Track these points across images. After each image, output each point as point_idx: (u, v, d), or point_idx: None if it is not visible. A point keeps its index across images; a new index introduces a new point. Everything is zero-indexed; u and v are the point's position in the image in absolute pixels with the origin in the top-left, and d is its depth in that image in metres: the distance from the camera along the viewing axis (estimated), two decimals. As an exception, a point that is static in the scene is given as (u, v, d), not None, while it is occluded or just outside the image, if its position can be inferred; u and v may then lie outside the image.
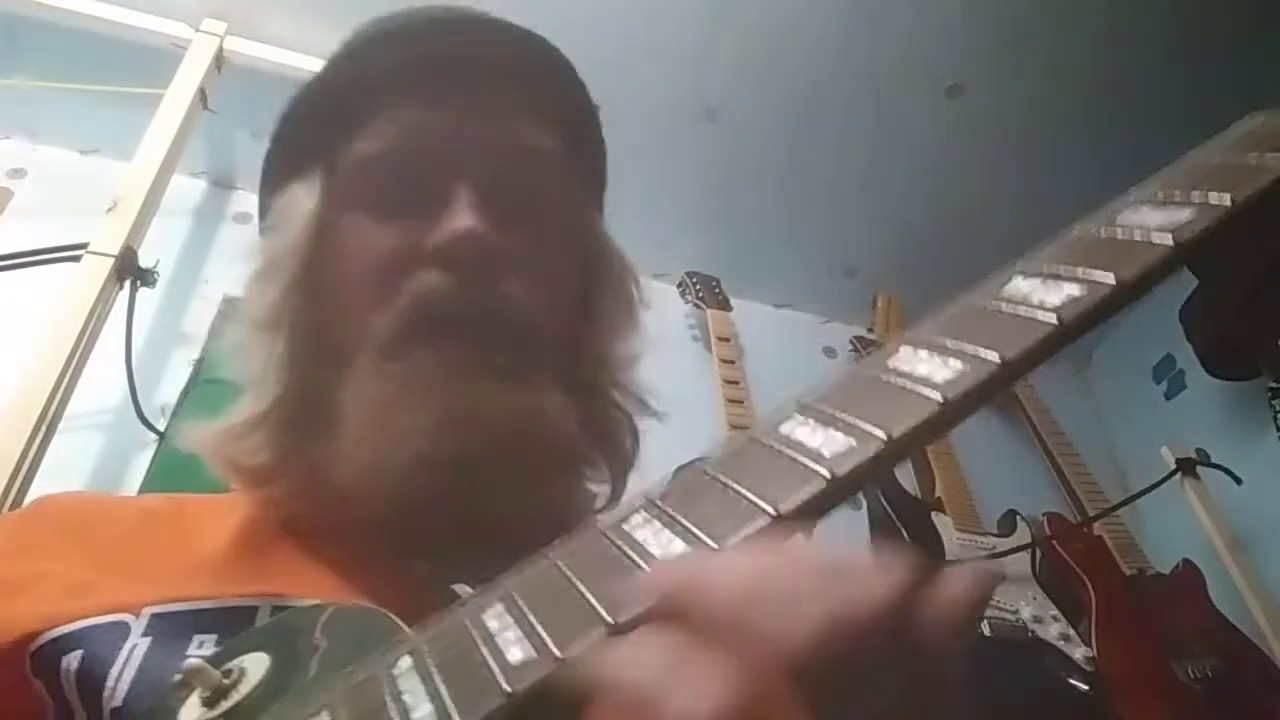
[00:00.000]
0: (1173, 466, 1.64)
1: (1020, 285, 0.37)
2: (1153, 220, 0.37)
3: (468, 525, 0.52)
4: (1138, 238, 0.37)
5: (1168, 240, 0.36)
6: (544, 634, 0.29)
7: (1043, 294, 0.35)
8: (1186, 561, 1.59)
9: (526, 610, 0.30)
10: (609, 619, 0.29)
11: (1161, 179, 0.41)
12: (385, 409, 0.53)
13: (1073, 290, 0.35)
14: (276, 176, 0.64)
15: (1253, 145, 0.40)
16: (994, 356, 0.33)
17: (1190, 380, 1.83)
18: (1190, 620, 1.50)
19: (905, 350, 0.35)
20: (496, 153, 0.59)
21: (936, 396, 0.32)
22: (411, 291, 0.54)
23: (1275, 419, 1.55)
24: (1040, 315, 0.34)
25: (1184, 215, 0.37)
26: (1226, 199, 0.36)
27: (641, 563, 0.30)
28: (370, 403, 0.54)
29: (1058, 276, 0.36)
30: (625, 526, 0.32)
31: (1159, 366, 1.90)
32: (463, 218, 0.54)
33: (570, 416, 0.56)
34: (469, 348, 0.54)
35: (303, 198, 0.60)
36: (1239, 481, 1.61)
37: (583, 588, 0.30)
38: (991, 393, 0.33)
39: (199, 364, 1.42)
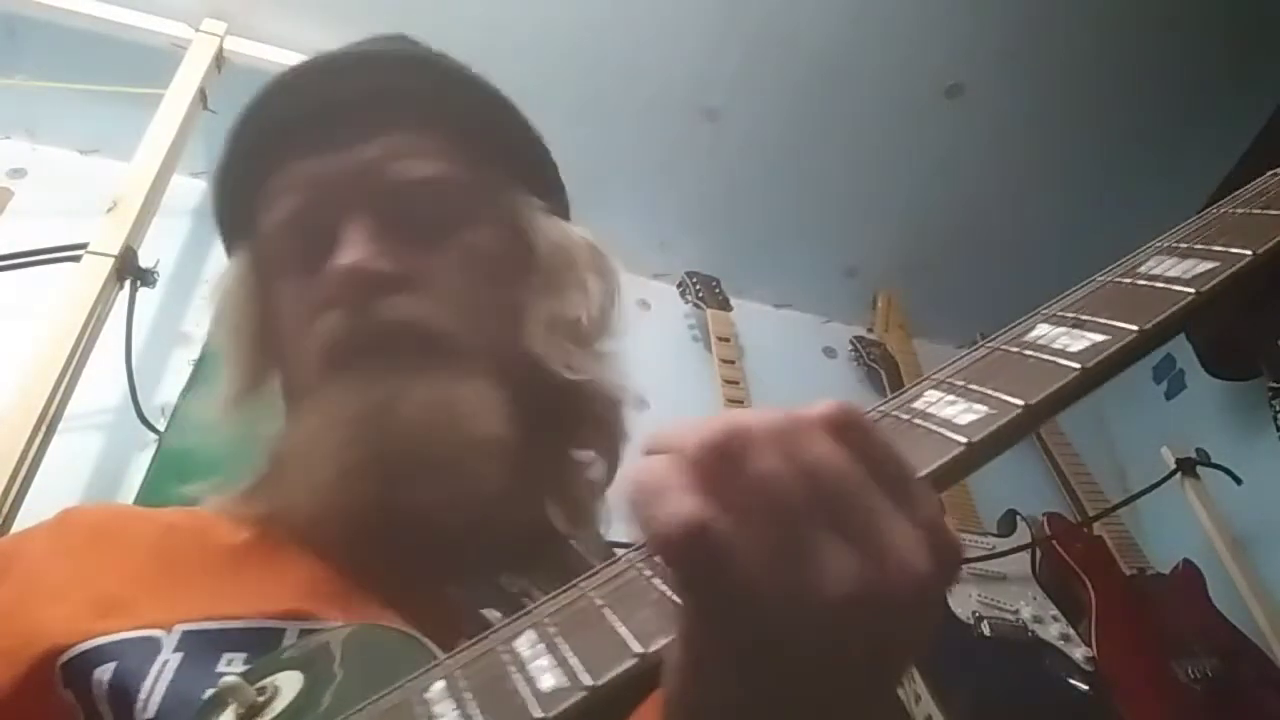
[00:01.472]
0: (1173, 466, 1.65)
1: (1045, 332, 0.38)
2: (1174, 271, 0.38)
3: (417, 531, 0.53)
4: (1159, 287, 0.37)
5: (1190, 291, 0.36)
6: (574, 662, 0.30)
7: (1067, 341, 0.36)
8: (1186, 561, 1.59)
9: (557, 638, 0.31)
10: (638, 648, 0.30)
11: (1183, 230, 0.42)
12: (309, 436, 0.57)
13: (1096, 337, 0.36)
14: (227, 252, 0.70)
15: (1271, 200, 0.41)
16: (1019, 402, 0.34)
17: (1190, 380, 1.83)
18: (1190, 620, 1.50)
19: (932, 393, 0.36)
20: (380, 185, 0.61)
21: (962, 440, 0.33)
22: (318, 334, 0.58)
23: (1275, 419, 1.55)
24: (1064, 362, 0.35)
25: (1205, 266, 0.37)
26: (1247, 251, 0.37)
27: (670, 593, 0.31)
28: (300, 436, 0.58)
29: (1081, 324, 0.37)
30: (657, 558, 0.33)
31: (1159, 366, 1.91)
32: (345, 254, 0.57)
33: (492, 404, 0.57)
34: (371, 367, 0.56)
35: (234, 276, 0.66)
36: (1239, 481, 1.61)
37: (613, 617, 0.31)
38: (1016, 438, 0.34)
39: (198, 365, 1.42)
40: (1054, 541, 1.60)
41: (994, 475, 1.70)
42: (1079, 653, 1.42)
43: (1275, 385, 1.56)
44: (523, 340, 0.63)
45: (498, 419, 0.57)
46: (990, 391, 0.34)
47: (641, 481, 0.29)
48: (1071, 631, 1.46)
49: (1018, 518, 1.64)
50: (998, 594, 1.48)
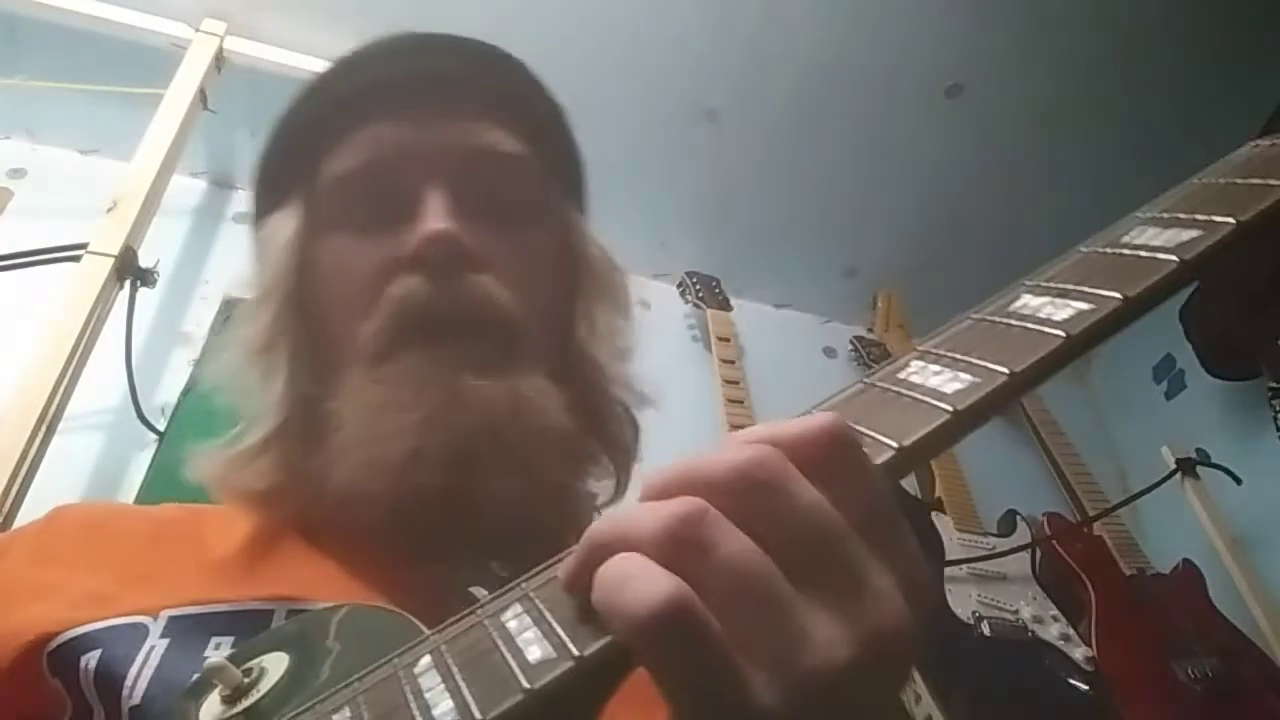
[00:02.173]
0: (1173, 466, 1.65)
1: (1029, 302, 0.38)
2: (1157, 240, 0.38)
3: (466, 520, 0.53)
4: (1144, 256, 0.37)
5: (1173, 259, 0.37)
6: (562, 633, 0.30)
7: (1051, 310, 0.36)
8: (1186, 561, 1.59)
9: (545, 611, 0.31)
10: None
11: (1166, 200, 0.42)
12: (376, 410, 0.54)
13: (1081, 306, 0.36)
14: (260, 210, 0.67)
15: (1254, 170, 0.41)
16: (1004, 370, 0.34)
17: (1190, 380, 1.83)
18: (1190, 620, 1.50)
19: (916, 363, 0.36)
20: (463, 157, 0.60)
21: (947, 408, 0.33)
22: (393, 296, 0.56)
23: (1275, 419, 1.55)
24: (1049, 330, 0.35)
25: (1188, 235, 0.38)
26: (1230, 219, 0.38)
27: None
28: (361, 406, 0.55)
29: (1065, 294, 0.37)
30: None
31: (1159, 366, 1.91)
32: (433, 221, 0.56)
33: (556, 402, 0.57)
34: (450, 345, 0.55)
35: (283, 226, 0.63)
36: (1239, 481, 1.61)
37: None
38: (1001, 406, 0.34)
39: (197, 365, 1.42)
40: (1054, 541, 1.60)
41: (994, 475, 1.71)
42: (1079, 653, 1.42)
43: (1275, 385, 1.56)
44: (574, 342, 0.63)
45: (563, 412, 0.57)
46: (976, 360, 0.34)
47: (610, 573, 0.28)
48: (1071, 631, 1.46)
49: (1018, 518, 1.64)
50: (998, 594, 1.48)
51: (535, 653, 0.29)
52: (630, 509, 0.30)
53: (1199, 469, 1.64)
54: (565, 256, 0.66)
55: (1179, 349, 1.76)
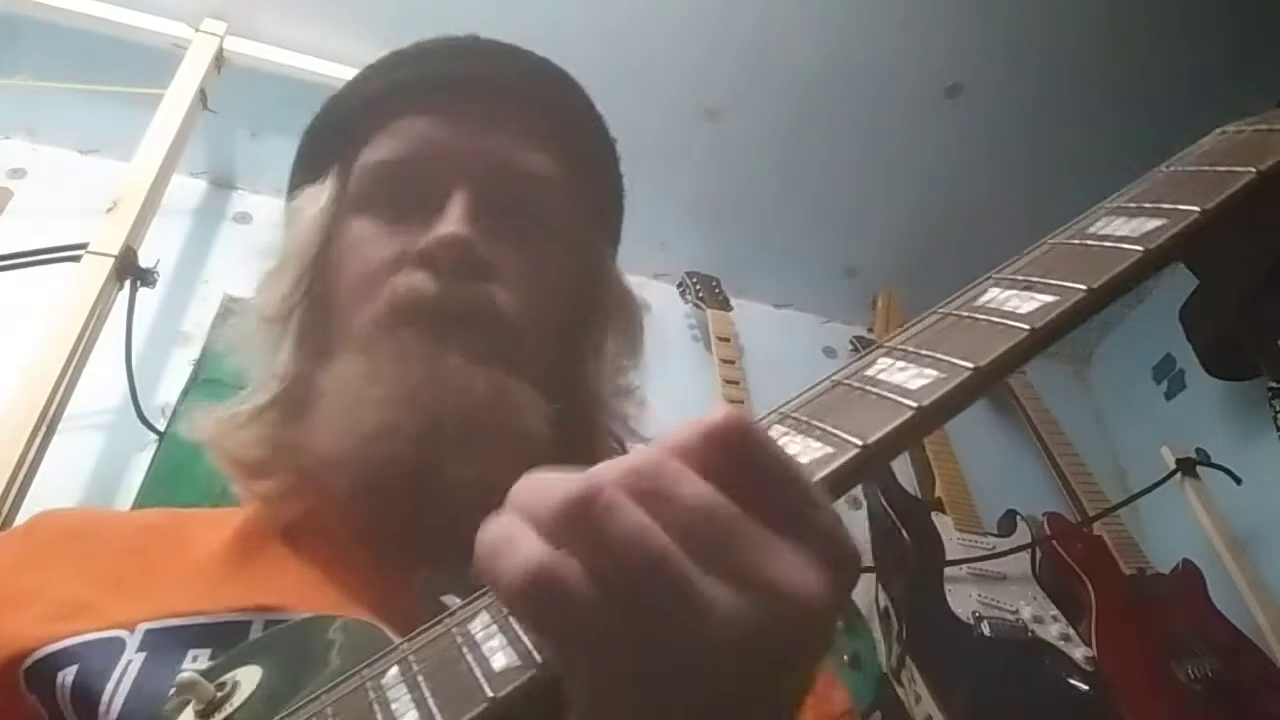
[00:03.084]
0: (1173, 466, 1.64)
1: (996, 295, 0.38)
2: (1123, 230, 0.38)
3: (433, 507, 0.53)
4: (1109, 246, 0.37)
5: (1138, 248, 0.37)
6: (527, 641, 0.30)
7: (1017, 303, 0.37)
8: (1186, 561, 1.59)
9: (511, 619, 0.31)
10: None
11: (1133, 189, 0.42)
12: (357, 381, 0.55)
13: (1046, 298, 0.36)
14: (295, 181, 0.68)
15: (1218, 158, 0.41)
16: (968, 364, 0.34)
17: (1190, 380, 1.82)
18: (1190, 620, 1.50)
19: (884, 360, 0.36)
20: (495, 168, 0.61)
21: (911, 404, 0.33)
22: (397, 287, 0.57)
23: (1275, 419, 1.55)
24: (1013, 323, 0.35)
25: (1153, 224, 0.38)
26: (1195, 207, 0.38)
27: None
28: (343, 378, 0.56)
29: (1030, 286, 0.37)
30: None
31: (1159, 366, 1.90)
32: (451, 223, 0.57)
33: (538, 411, 0.57)
34: (444, 330, 0.56)
35: (314, 199, 0.64)
36: (1239, 481, 1.60)
37: None
38: (967, 400, 0.34)
39: (199, 362, 1.42)
40: (1054, 541, 1.60)
41: (994, 475, 1.71)
42: (1079, 653, 1.42)
43: (1275, 385, 1.56)
44: (573, 365, 0.63)
45: (542, 422, 0.57)
46: (941, 355, 0.35)
47: (489, 535, 0.29)
48: (1071, 631, 1.46)
49: (1018, 518, 1.63)
50: (998, 594, 1.48)
51: (500, 660, 0.29)
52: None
53: (1199, 469, 1.64)
54: (582, 282, 0.66)
55: (1179, 349, 1.76)
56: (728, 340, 1.73)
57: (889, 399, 0.34)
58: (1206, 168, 0.41)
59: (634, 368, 0.68)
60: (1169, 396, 1.89)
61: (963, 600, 1.44)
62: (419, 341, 0.55)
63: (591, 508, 0.28)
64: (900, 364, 0.35)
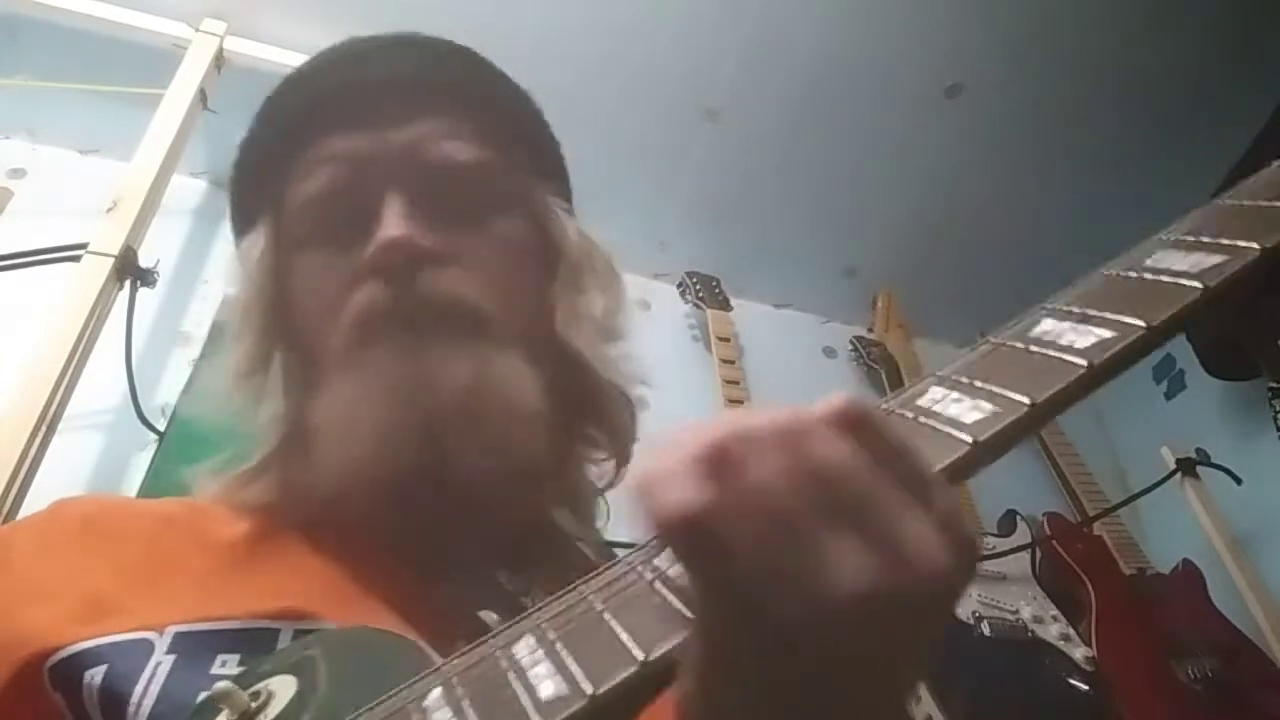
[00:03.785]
0: (1173, 466, 1.65)
1: (1051, 327, 0.37)
2: (1182, 264, 0.37)
3: (452, 505, 0.53)
4: (1166, 281, 0.36)
5: (1198, 285, 0.36)
6: (575, 669, 0.29)
7: (1073, 337, 0.35)
8: (1186, 561, 1.59)
9: (557, 644, 0.30)
10: (640, 655, 0.29)
11: (1189, 222, 0.41)
12: (346, 405, 0.56)
13: (1103, 333, 0.35)
14: (235, 231, 0.69)
15: (1278, 191, 0.40)
16: (1025, 400, 0.33)
17: (1190, 380, 1.83)
18: (1190, 620, 1.50)
19: (936, 390, 0.35)
20: (420, 163, 0.61)
21: (967, 439, 0.32)
22: (356, 305, 0.57)
23: (1275, 419, 1.55)
24: (1070, 358, 0.34)
25: (1212, 260, 0.37)
26: (1255, 245, 0.37)
27: (675, 601, 0.30)
28: (333, 405, 0.56)
29: (1087, 319, 0.36)
30: (657, 561, 0.32)
31: (1159, 366, 1.90)
32: (388, 228, 0.57)
33: (530, 382, 0.57)
34: (413, 335, 0.56)
35: (254, 247, 0.64)
36: (1239, 481, 1.61)
37: (614, 623, 0.30)
38: (1021, 437, 0.33)
39: (196, 365, 1.42)
40: (1054, 541, 1.60)
41: (994, 475, 1.72)
42: (1079, 653, 1.42)
43: (1275, 385, 1.56)
44: (553, 327, 0.63)
45: (536, 392, 0.57)
46: (996, 389, 0.33)
47: (646, 474, 0.29)
48: (1071, 631, 1.46)
49: (1018, 518, 1.64)
50: (998, 594, 1.48)
51: (548, 689, 0.29)
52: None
53: (1199, 469, 1.64)
54: (539, 243, 0.66)
55: (1179, 349, 1.76)
56: (728, 340, 1.73)
57: (943, 432, 0.33)
58: (1265, 203, 0.40)
59: (612, 310, 0.68)
60: (1169, 396, 1.89)
61: (963, 600, 1.44)
62: (393, 348, 0.56)
63: (734, 450, 0.28)
64: (954, 395, 0.35)
